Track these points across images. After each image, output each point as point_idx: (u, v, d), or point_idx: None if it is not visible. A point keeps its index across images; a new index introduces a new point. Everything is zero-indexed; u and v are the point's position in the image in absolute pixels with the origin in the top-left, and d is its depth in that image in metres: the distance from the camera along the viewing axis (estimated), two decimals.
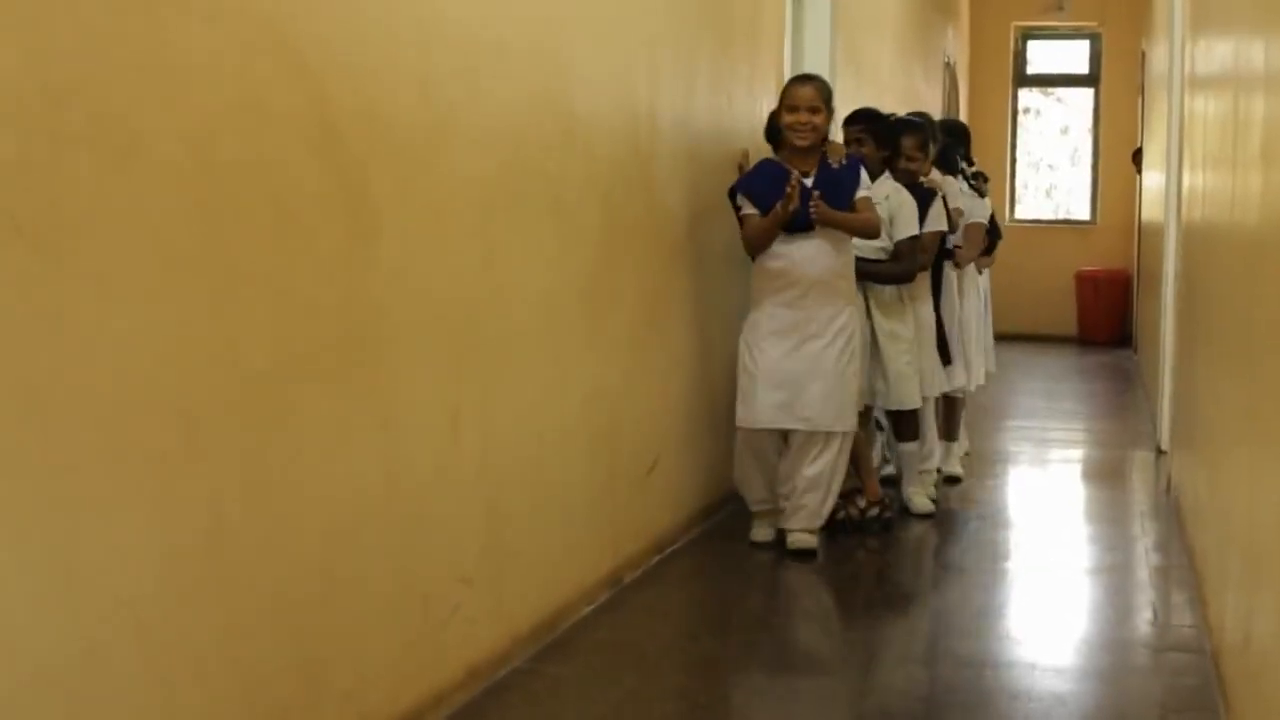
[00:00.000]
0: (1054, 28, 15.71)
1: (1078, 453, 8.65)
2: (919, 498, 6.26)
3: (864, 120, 6.17)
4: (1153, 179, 10.30)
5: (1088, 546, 5.99)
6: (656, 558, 5.21)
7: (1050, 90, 16.16)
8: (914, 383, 6.12)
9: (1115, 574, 5.41)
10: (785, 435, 5.47)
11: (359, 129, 3.14)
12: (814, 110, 5.46)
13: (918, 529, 6.07)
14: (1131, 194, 13.95)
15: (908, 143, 6.18)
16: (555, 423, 4.30)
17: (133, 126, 2.42)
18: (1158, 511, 6.50)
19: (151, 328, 2.46)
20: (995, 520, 6.43)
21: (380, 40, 3.23)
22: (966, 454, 7.37)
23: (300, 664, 2.97)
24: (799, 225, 5.36)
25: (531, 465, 4.12)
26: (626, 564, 4.92)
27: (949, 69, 13.60)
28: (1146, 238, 11.48)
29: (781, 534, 5.47)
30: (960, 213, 6.73)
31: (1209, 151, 5.45)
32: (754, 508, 5.63)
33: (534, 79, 4.08)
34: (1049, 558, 5.72)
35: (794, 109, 5.50)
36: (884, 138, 6.08)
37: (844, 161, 5.58)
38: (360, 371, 3.17)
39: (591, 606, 4.56)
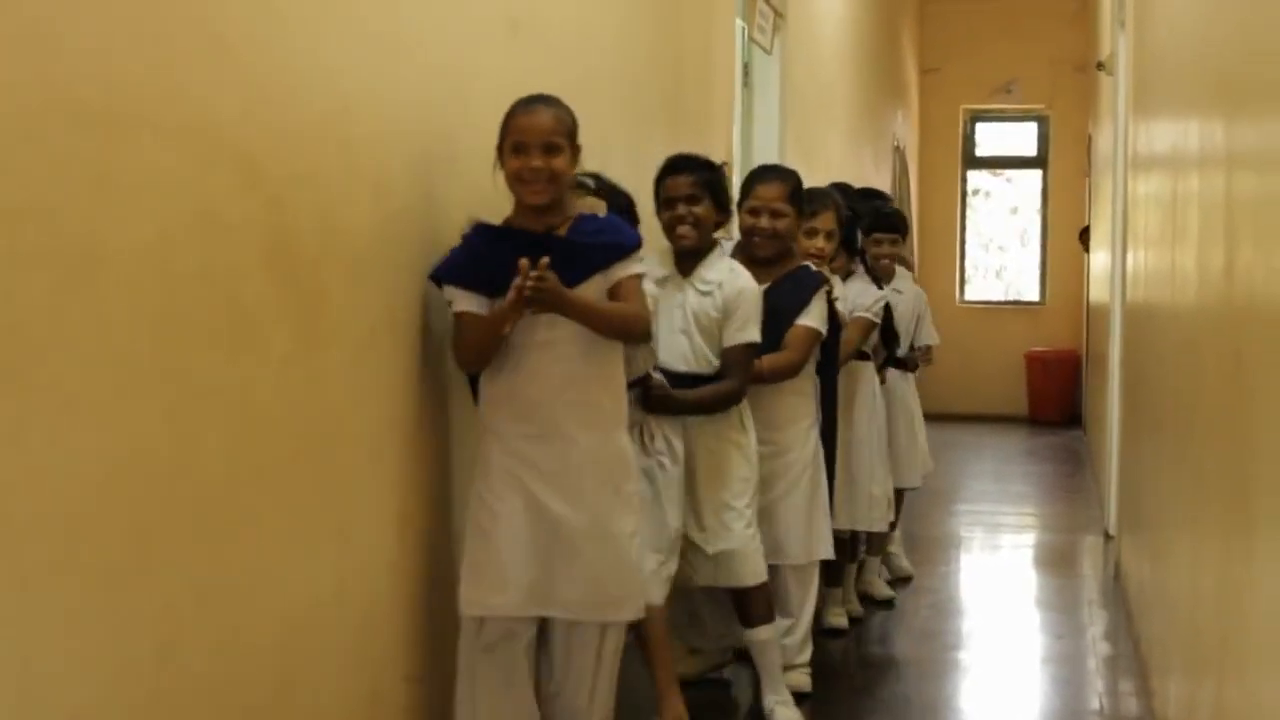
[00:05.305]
0: (1002, 110, 15.97)
1: (1028, 538, 8.72)
2: (784, 709, 4.50)
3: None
4: (1099, 260, 10.45)
5: (1038, 635, 6.04)
6: None
7: (999, 171, 16.37)
8: (752, 553, 4.45)
9: (1064, 664, 5.45)
10: (541, 630, 3.71)
11: (312, 235, 3.17)
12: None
13: (872, 616, 6.03)
14: (1080, 275, 14.15)
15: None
16: None
17: (88, 243, 2.44)
18: (1106, 598, 6.56)
19: (107, 442, 2.48)
20: (945, 609, 6.47)
21: (335, 148, 3.27)
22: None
23: None
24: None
25: None
26: None
27: (898, 152, 13.77)
28: (1094, 318, 11.63)
29: None
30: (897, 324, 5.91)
31: (1150, 232, 5.54)
32: None
33: (486, 181, 4.13)
34: (999, 647, 5.76)
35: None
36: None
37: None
38: (313, 480, 3.18)
39: None
